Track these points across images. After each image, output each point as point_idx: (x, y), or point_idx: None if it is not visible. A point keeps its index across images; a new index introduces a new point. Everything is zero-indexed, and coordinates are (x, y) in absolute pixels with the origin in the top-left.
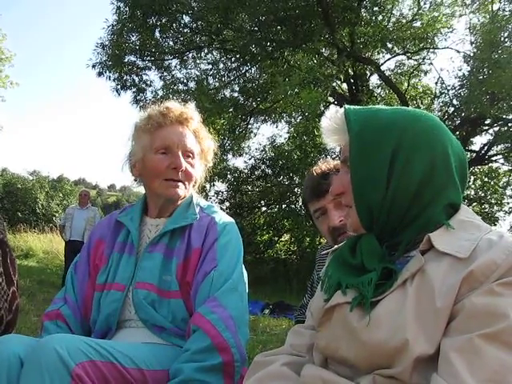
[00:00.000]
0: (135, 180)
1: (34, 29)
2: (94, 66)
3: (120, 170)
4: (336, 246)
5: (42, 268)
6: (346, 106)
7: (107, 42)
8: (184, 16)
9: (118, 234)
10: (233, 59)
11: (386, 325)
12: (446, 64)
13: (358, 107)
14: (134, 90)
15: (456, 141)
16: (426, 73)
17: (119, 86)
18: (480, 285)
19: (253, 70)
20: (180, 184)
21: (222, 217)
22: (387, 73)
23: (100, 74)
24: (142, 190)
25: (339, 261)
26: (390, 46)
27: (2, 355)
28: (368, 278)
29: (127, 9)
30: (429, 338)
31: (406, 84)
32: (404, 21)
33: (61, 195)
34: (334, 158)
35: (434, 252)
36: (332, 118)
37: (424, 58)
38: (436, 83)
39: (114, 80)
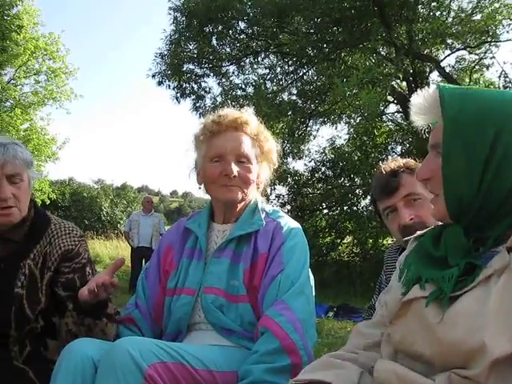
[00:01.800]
0: (199, 188)
1: (90, 35)
2: (153, 76)
3: (187, 177)
4: (419, 232)
5: None
6: (441, 85)
7: (166, 52)
8: (240, 22)
9: (186, 241)
10: (290, 62)
11: (464, 324)
12: (510, 57)
13: (453, 86)
14: (193, 97)
15: None
16: (488, 67)
17: (179, 94)
18: None
19: (310, 72)
20: (234, 188)
21: (288, 221)
22: (448, 69)
23: (160, 83)
24: (203, 195)
25: (420, 252)
26: (449, 41)
27: (75, 358)
28: (450, 273)
29: (184, 19)
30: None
31: (467, 79)
32: (463, 15)
33: (124, 202)
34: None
35: None
36: (424, 95)
37: (486, 52)
38: (499, 77)
39: (173, 88)
